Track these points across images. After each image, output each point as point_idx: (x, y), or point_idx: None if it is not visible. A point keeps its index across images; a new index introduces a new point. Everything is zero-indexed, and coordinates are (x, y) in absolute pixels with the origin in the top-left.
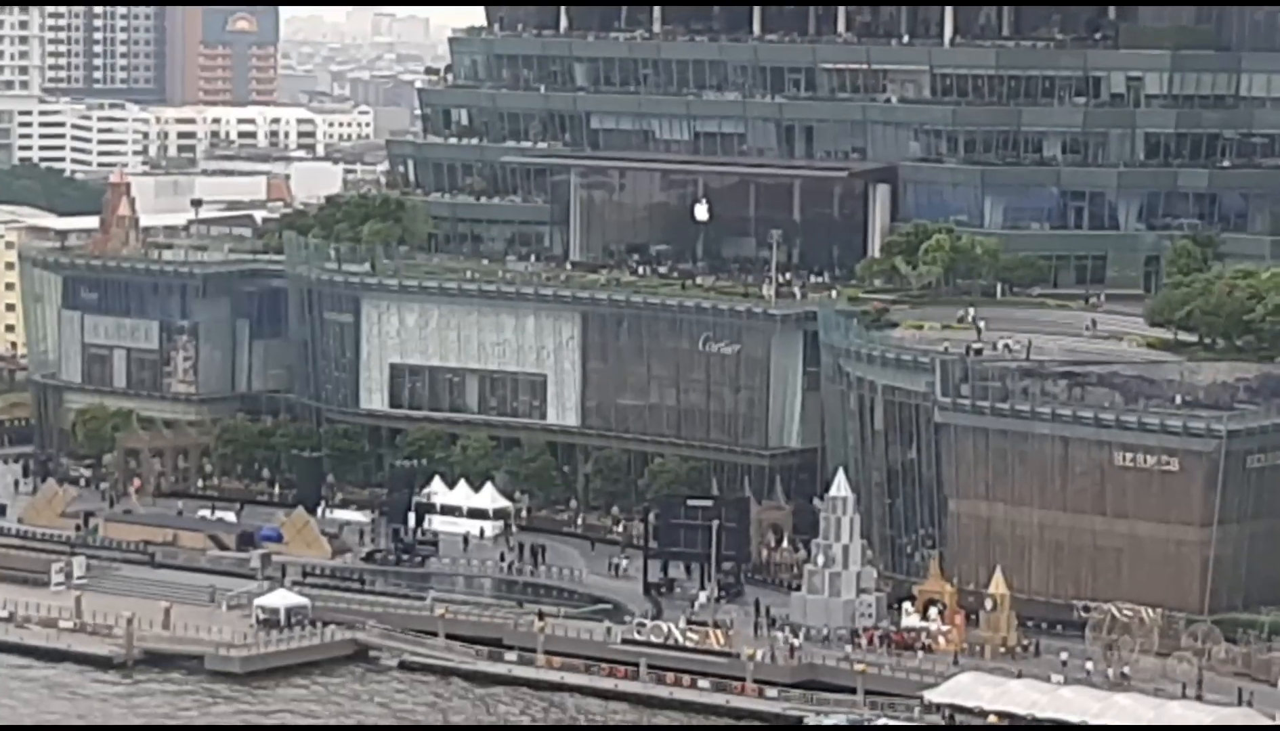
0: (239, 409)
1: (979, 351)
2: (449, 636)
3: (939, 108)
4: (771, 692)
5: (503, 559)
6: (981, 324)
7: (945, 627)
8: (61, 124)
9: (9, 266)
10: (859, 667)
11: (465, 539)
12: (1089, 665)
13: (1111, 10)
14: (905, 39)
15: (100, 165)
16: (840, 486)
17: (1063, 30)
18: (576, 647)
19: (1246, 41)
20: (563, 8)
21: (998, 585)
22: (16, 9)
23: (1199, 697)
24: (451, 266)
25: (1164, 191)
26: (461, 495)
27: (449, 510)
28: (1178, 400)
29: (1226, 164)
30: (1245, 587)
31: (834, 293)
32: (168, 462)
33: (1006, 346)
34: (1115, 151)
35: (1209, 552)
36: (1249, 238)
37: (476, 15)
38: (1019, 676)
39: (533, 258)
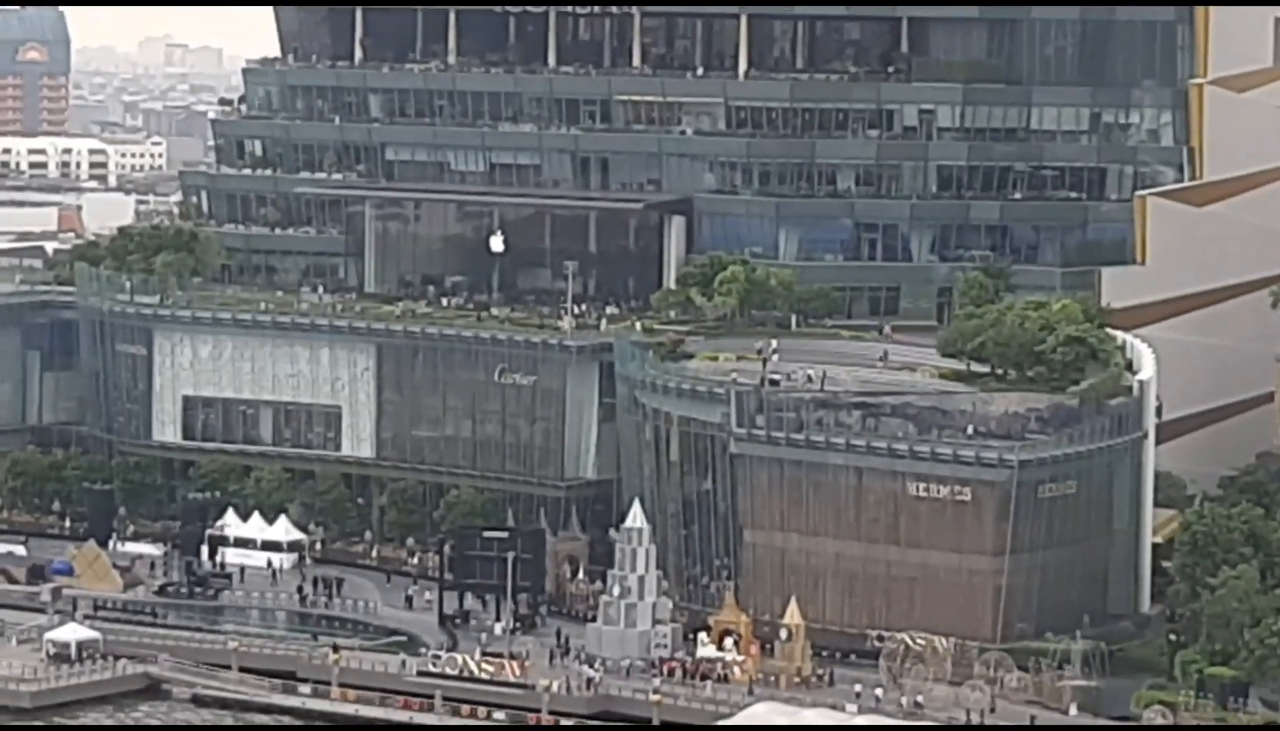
0: (29, 441)
1: (775, 382)
2: (243, 669)
3: (734, 140)
4: (568, 723)
5: (299, 591)
6: (775, 356)
7: (740, 658)
8: None
9: None
10: (654, 698)
11: (259, 571)
12: (879, 693)
13: (904, 44)
14: (700, 71)
15: None
16: (636, 517)
17: (856, 63)
18: (372, 680)
19: (1037, 75)
20: (357, 38)
21: (793, 615)
22: None
23: (990, 726)
24: (245, 298)
25: (956, 223)
26: (255, 527)
27: (243, 543)
28: (970, 430)
29: (1018, 196)
30: (1037, 616)
31: (630, 324)
32: None
33: (808, 376)
34: (908, 184)
35: (1001, 581)
36: (1040, 269)
37: (270, 46)
38: (813, 706)
39: (327, 289)
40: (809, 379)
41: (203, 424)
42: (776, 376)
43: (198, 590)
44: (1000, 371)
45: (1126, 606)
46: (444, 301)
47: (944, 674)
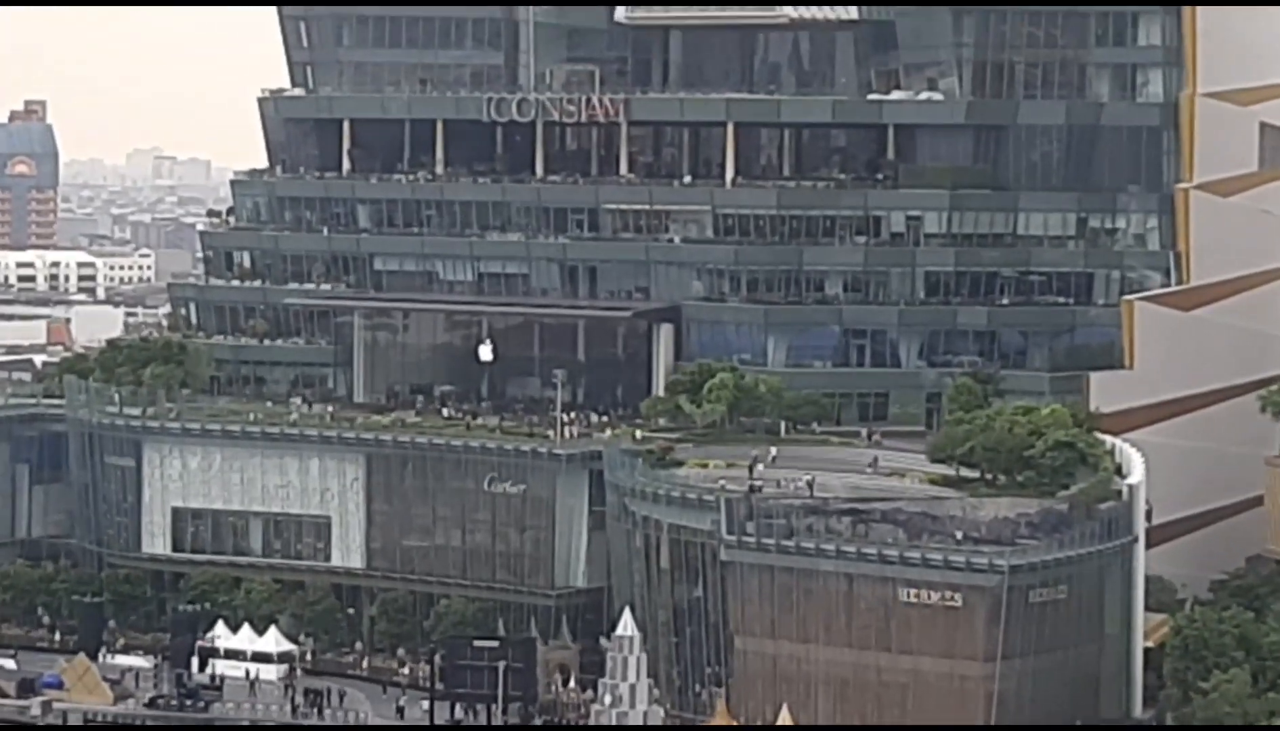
0: (18, 555)
1: (755, 488)
2: None
3: (721, 247)
4: None
5: (291, 703)
6: (760, 466)
7: None
8: None
9: None
10: None
11: (249, 683)
12: None
13: (890, 151)
14: (687, 180)
15: None
16: (626, 625)
17: (842, 170)
18: None
19: (1023, 181)
20: (345, 150)
21: (784, 722)
22: None
23: None
24: (234, 409)
25: (944, 329)
26: (245, 639)
27: (233, 654)
28: (960, 536)
29: (1005, 302)
30: (1029, 721)
31: (619, 432)
32: None
33: (808, 483)
34: (896, 290)
35: (993, 687)
36: (1028, 374)
37: (258, 157)
38: None
39: (315, 399)
40: (800, 485)
41: (192, 535)
42: (758, 482)
43: (188, 702)
44: (990, 476)
45: (1119, 711)
46: (433, 411)
47: None
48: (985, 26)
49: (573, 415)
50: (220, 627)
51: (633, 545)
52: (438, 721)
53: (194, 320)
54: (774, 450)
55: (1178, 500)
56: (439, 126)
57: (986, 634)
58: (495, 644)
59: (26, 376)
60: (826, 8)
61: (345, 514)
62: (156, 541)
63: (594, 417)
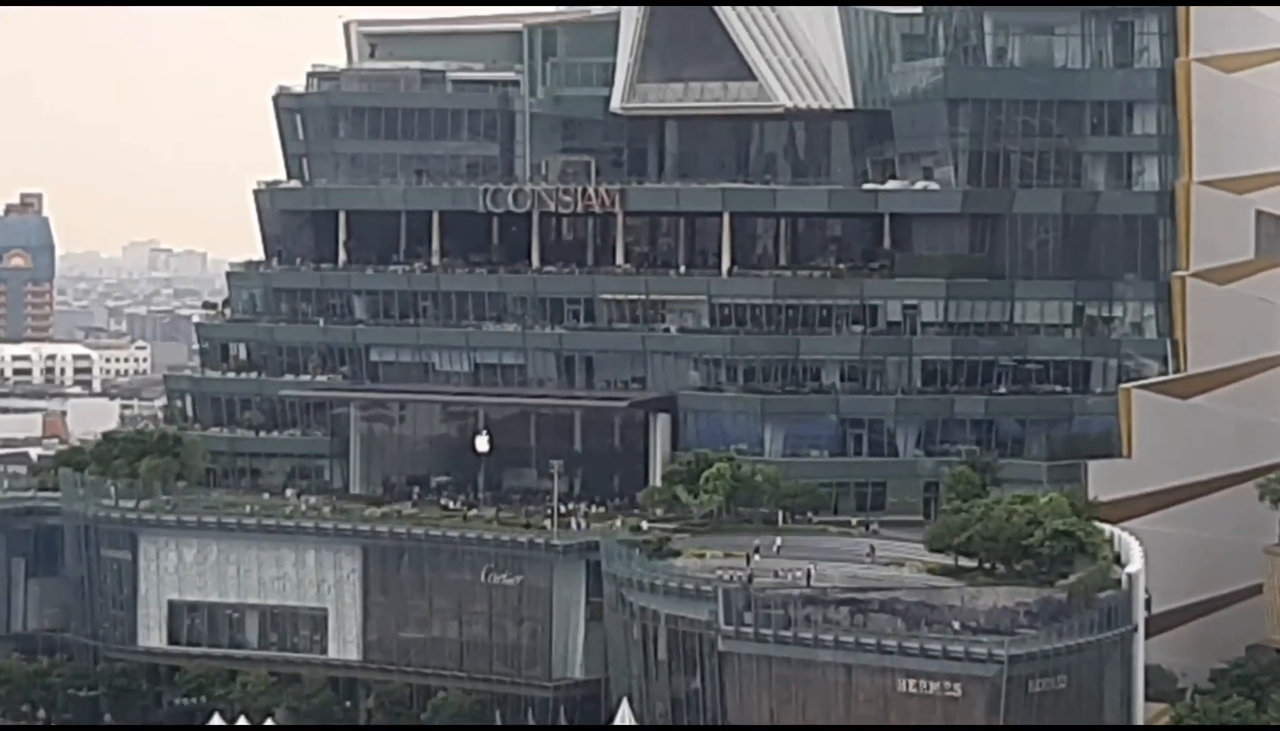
0: (13, 649)
1: (750, 579)
2: None
3: (718, 337)
4: None
5: None
6: (758, 557)
7: None
8: None
9: None
10: None
11: None
12: None
13: (886, 240)
14: (683, 270)
15: None
16: (624, 717)
17: (839, 260)
18: None
19: (1020, 270)
20: (341, 241)
21: None
22: None
23: None
24: (230, 501)
25: (941, 418)
26: None
27: None
28: (959, 626)
29: (1002, 390)
30: None
31: (616, 522)
32: None
33: (805, 573)
34: (893, 379)
35: None
36: (1026, 463)
37: (254, 249)
38: None
39: (311, 491)
40: (798, 575)
41: (188, 628)
42: (744, 571)
43: None
44: (988, 566)
45: None
46: (430, 502)
47: None
48: (980, 115)
49: (569, 506)
50: (216, 720)
51: (630, 636)
52: None
53: (190, 412)
54: (779, 539)
55: (1177, 589)
56: (435, 217)
57: (986, 723)
58: None
59: (22, 469)
60: (822, 97)
61: (341, 606)
62: (152, 634)
63: (591, 508)
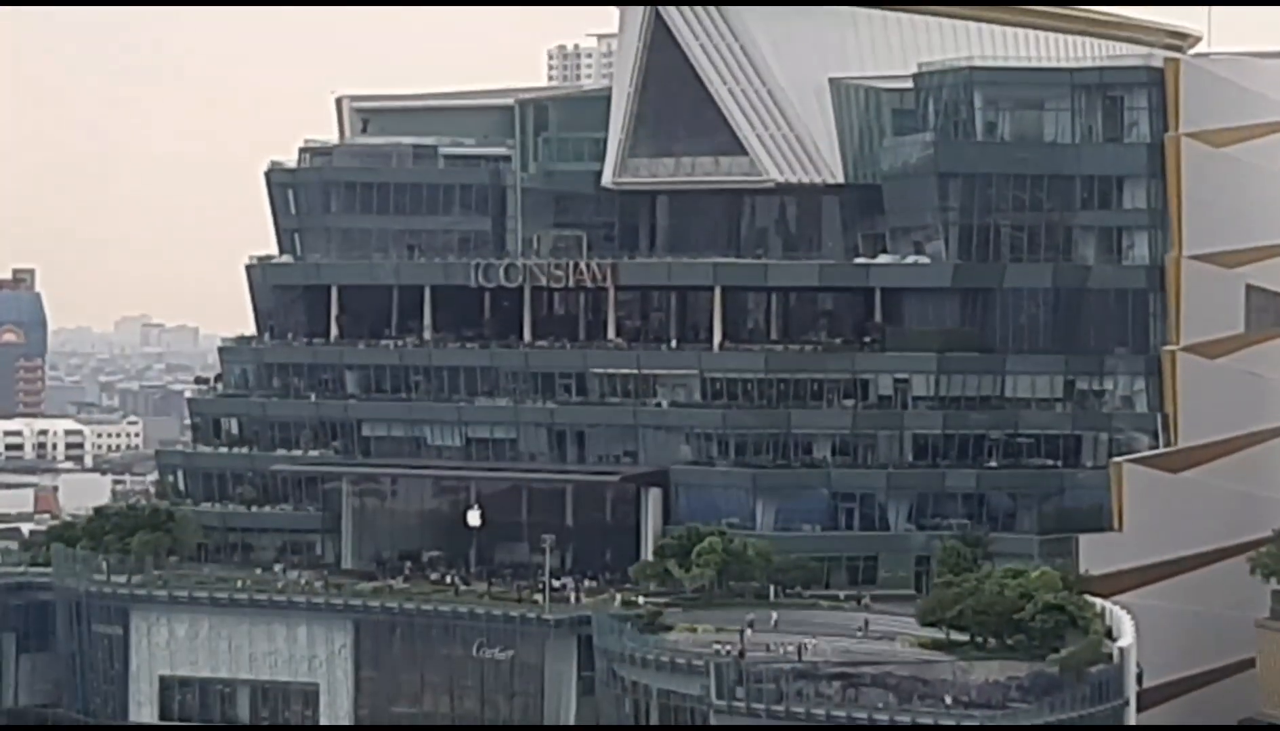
0: (5, 724)
1: (742, 654)
2: None
3: (709, 411)
4: None
5: None
6: (749, 631)
7: None
8: None
9: None
10: None
11: None
12: None
13: (877, 313)
14: (674, 344)
15: None
16: None
17: (830, 334)
18: None
19: (1010, 344)
20: (333, 316)
21: None
22: None
23: None
24: (222, 576)
25: (933, 492)
26: None
27: None
28: (950, 700)
29: (993, 464)
30: None
31: (607, 597)
32: None
33: (797, 647)
34: (884, 453)
35: None
36: (1017, 537)
37: (246, 324)
38: None
39: (303, 566)
40: (789, 649)
41: (180, 704)
42: (736, 646)
43: None
44: (980, 640)
45: None
46: (422, 577)
47: None
48: (971, 190)
49: (561, 580)
50: None
51: (622, 711)
52: None
53: (182, 487)
54: (775, 614)
55: (1169, 663)
56: (427, 292)
57: None
58: None
59: (14, 545)
60: (813, 171)
61: (333, 681)
62: (144, 710)
63: (582, 582)
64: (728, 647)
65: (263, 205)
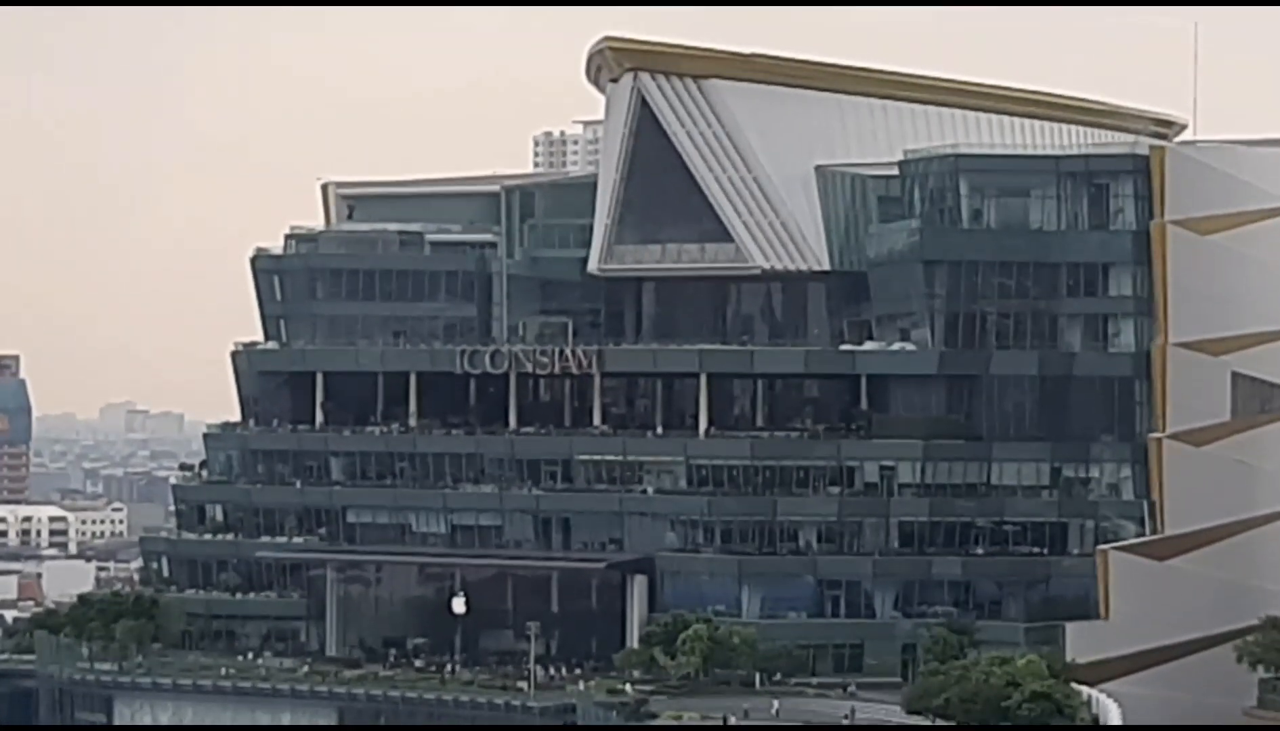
0: None
1: None
2: None
3: (695, 498)
4: None
5: None
6: (732, 719)
7: None
8: None
9: None
10: None
11: None
12: None
13: (863, 401)
14: (660, 431)
15: None
16: None
17: (816, 421)
18: None
19: (996, 431)
20: (318, 402)
21: None
22: None
23: None
24: (206, 663)
25: (919, 579)
26: None
27: None
28: None
29: (980, 552)
30: None
31: (593, 684)
32: None
33: None
34: (870, 540)
35: None
36: (1004, 624)
37: (231, 411)
38: None
39: (288, 654)
40: None
41: None
42: None
43: None
44: (966, 728)
45: None
46: (406, 664)
47: None
48: (956, 277)
49: (547, 668)
50: None
51: None
52: None
53: (166, 574)
54: (776, 703)
55: None
56: (412, 379)
57: None
58: None
59: None
60: (799, 258)
61: None
62: None
63: (568, 670)
64: None
65: (248, 291)
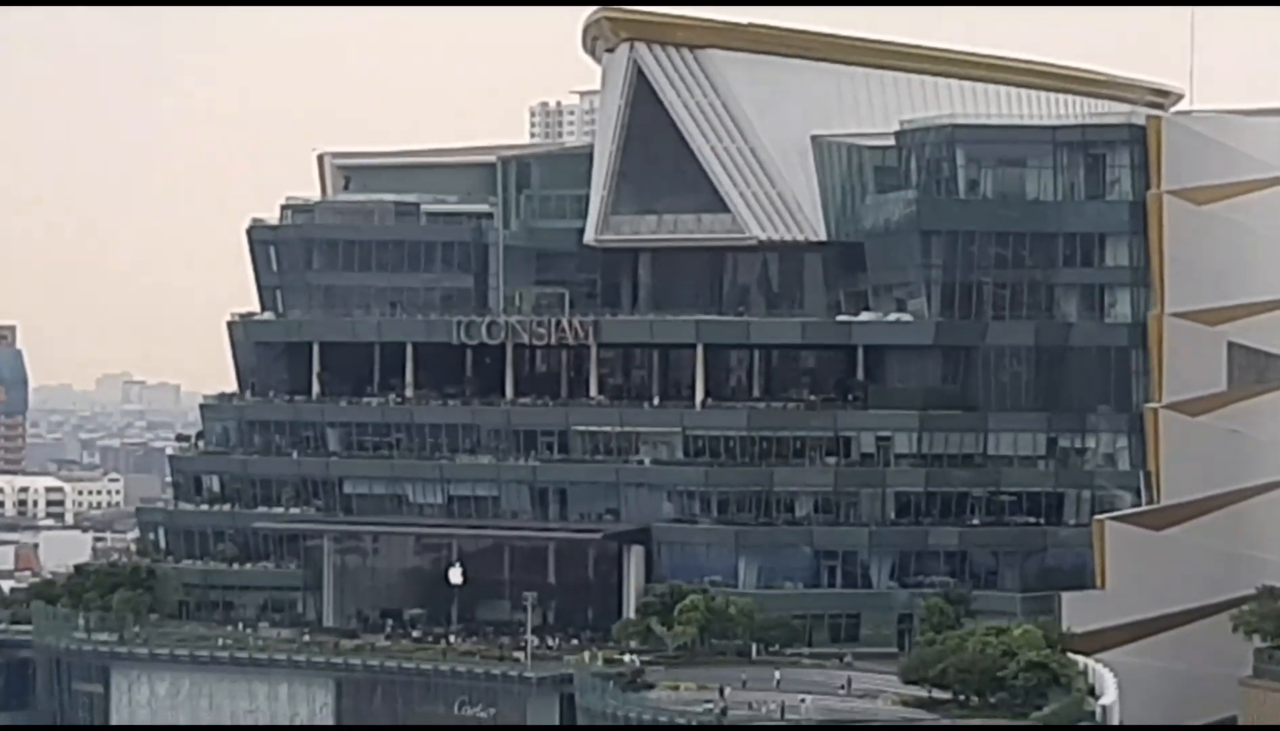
0: None
1: (724, 712)
2: None
3: (692, 469)
4: None
5: None
6: (728, 690)
7: None
8: None
9: None
10: None
11: None
12: None
13: (860, 372)
14: (657, 402)
15: None
16: None
17: (812, 392)
18: None
19: (993, 402)
20: (314, 373)
21: None
22: None
23: None
24: (203, 634)
25: (915, 550)
26: None
27: None
28: None
29: (976, 522)
30: None
31: (590, 655)
32: None
33: (783, 706)
34: (866, 511)
35: None
36: (1000, 594)
37: (228, 382)
38: None
39: (285, 624)
40: (771, 708)
41: None
42: (719, 704)
43: None
44: (962, 698)
45: None
46: (403, 635)
47: None
48: (953, 247)
49: (544, 638)
50: None
51: None
52: None
53: (163, 545)
54: (778, 673)
55: (1152, 721)
56: (409, 349)
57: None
58: None
59: None
60: (795, 229)
61: None
62: None
63: (564, 640)
64: (709, 706)
65: (245, 262)
